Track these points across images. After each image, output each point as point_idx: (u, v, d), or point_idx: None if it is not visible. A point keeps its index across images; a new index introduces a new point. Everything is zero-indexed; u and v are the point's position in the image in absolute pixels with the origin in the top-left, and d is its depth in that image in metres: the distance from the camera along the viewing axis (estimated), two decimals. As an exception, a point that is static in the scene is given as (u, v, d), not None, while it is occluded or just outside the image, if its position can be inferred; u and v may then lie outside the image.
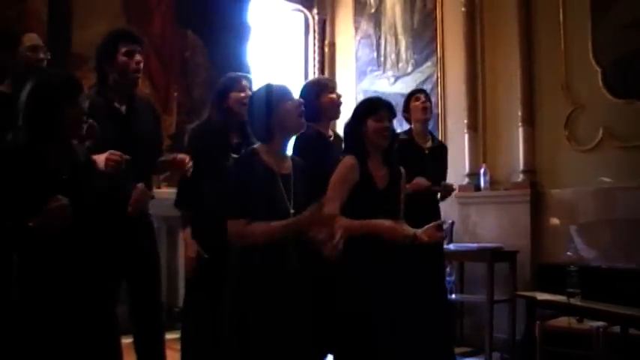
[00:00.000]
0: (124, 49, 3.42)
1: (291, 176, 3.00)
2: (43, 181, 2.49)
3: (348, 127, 3.50)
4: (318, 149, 3.60)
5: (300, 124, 3.06)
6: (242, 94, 3.72)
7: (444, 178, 4.73)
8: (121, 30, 3.61)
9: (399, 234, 3.23)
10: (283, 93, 3.05)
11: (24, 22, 6.19)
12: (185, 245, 3.78)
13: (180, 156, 3.52)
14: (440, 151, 4.84)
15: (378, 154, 3.38)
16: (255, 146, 3.07)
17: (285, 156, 3.08)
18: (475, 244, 5.77)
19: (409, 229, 3.29)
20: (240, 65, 7.33)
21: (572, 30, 5.61)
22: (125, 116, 3.45)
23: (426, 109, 4.72)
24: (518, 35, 5.94)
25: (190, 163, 3.47)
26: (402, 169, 3.50)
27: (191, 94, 7.27)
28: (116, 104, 3.43)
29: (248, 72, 7.33)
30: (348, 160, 3.31)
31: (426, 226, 3.32)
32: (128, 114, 3.47)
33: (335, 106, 3.98)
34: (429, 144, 4.71)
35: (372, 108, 3.39)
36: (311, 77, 8.09)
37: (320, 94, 3.90)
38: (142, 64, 3.49)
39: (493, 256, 5.52)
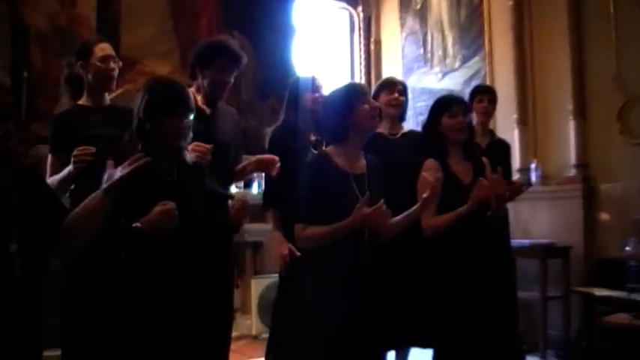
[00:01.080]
0: (220, 65, 3.48)
1: (365, 176, 3.00)
2: (152, 184, 2.58)
3: (424, 127, 3.60)
4: (371, 147, 3.62)
5: (375, 124, 3.08)
6: (317, 94, 3.87)
7: (506, 175, 4.64)
8: (224, 45, 3.59)
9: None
10: (359, 93, 3.06)
11: (74, 27, 6.33)
12: (276, 245, 3.85)
13: (270, 155, 3.60)
14: (498, 148, 4.75)
15: (457, 150, 3.47)
16: (327, 148, 3.12)
17: (359, 156, 3.08)
18: (527, 241, 5.69)
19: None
20: (286, 64, 7.39)
21: (624, 20, 5.49)
22: (209, 117, 3.51)
23: (487, 113, 4.72)
24: (568, 27, 5.83)
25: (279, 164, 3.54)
26: (486, 160, 3.55)
27: (239, 95, 7.33)
28: (201, 104, 3.48)
29: (294, 71, 7.41)
30: (428, 164, 3.39)
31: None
32: (212, 115, 3.54)
33: (390, 106, 4.02)
34: (486, 141, 4.64)
35: (446, 105, 3.49)
36: (357, 75, 8.10)
37: (378, 93, 4.06)
38: (231, 81, 3.55)
39: (546, 252, 5.45)
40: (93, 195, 2.29)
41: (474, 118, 4.63)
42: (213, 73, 3.48)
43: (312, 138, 3.87)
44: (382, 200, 2.81)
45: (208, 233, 2.85)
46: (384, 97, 4.04)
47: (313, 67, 7.98)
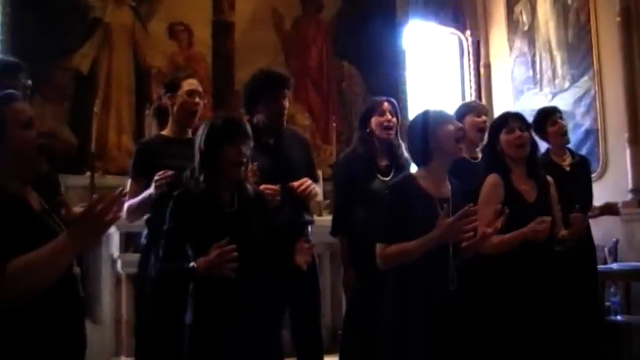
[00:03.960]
0: (268, 97, 3.56)
1: (450, 200, 3.02)
2: (214, 215, 2.71)
3: (485, 147, 3.54)
4: (454, 171, 3.65)
5: (458, 148, 3.11)
6: (382, 118, 3.80)
7: (590, 195, 4.57)
8: (263, 76, 3.70)
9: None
10: (442, 117, 3.13)
11: (191, 65, 6.72)
12: (344, 272, 3.92)
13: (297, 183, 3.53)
14: (582, 166, 4.63)
15: (520, 167, 3.37)
16: (413, 171, 3.18)
17: (444, 180, 3.12)
18: (643, 264, 5.50)
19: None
20: (397, 92, 7.45)
21: None
22: (274, 147, 3.60)
23: (565, 133, 4.56)
24: (678, 41, 5.66)
25: (307, 184, 3.51)
26: (550, 179, 3.46)
27: (350, 124, 7.48)
28: (265, 138, 3.56)
29: (405, 98, 7.49)
30: (490, 179, 3.32)
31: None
32: (276, 145, 3.63)
33: (477, 130, 4.00)
34: (569, 160, 4.54)
35: (502, 122, 3.42)
36: (468, 100, 8.08)
37: (464, 117, 3.96)
38: (287, 105, 3.63)
39: (661, 274, 5.27)
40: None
41: (550, 141, 4.54)
42: (266, 107, 3.55)
43: (383, 164, 3.83)
44: (466, 208, 2.82)
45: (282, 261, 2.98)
46: (470, 120, 3.96)
47: (424, 93, 8.06)
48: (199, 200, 2.77)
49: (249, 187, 2.95)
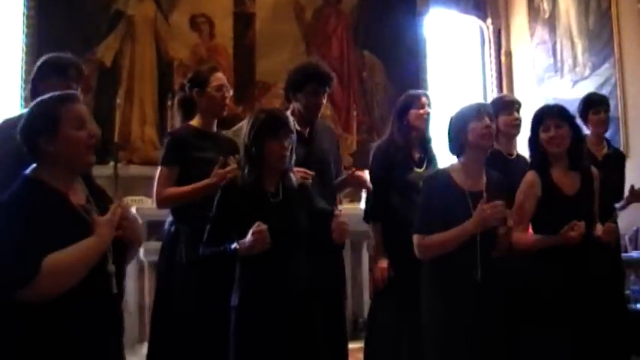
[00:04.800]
0: (310, 88, 3.63)
1: (482, 194, 3.06)
2: (259, 204, 2.82)
3: (528, 141, 3.55)
4: (490, 166, 3.65)
5: (487, 142, 3.16)
6: (421, 111, 3.86)
7: (622, 188, 4.55)
8: (314, 69, 3.75)
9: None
10: (471, 112, 3.18)
11: (213, 57, 6.80)
12: (375, 257, 3.96)
13: (358, 172, 3.73)
14: (615, 158, 4.61)
15: (561, 161, 3.33)
16: (449, 165, 3.26)
17: (479, 173, 3.18)
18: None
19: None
20: (418, 80, 7.48)
21: None
22: (307, 139, 3.67)
23: (607, 123, 4.56)
24: (700, 27, 5.62)
25: (367, 178, 3.71)
26: (595, 170, 3.43)
27: (371, 113, 7.54)
28: (299, 127, 3.54)
29: (426, 87, 7.49)
30: (527, 177, 3.32)
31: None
32: (310, 136, 3.71)
33: (510, 127, 4.01)
34: (604, 151, 4.52)
35: (539, 119, 3.38)
36: (489, 88, 8.08)
37: (498, 114, 3.96)
38: (324, 102, 3.71)
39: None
40: None
41: (589, 128, 4.49)
42: (306, 97, 3.63)
43: (417, 155, 3.89)
44: (501, 202, 2.93)
45: (316, 248, 3.01)
46: (503, 118, 3.92)
47: (445, 81, 8.07)
48: (245, 190, 2.88)
49: (293, 178, 3.03)
